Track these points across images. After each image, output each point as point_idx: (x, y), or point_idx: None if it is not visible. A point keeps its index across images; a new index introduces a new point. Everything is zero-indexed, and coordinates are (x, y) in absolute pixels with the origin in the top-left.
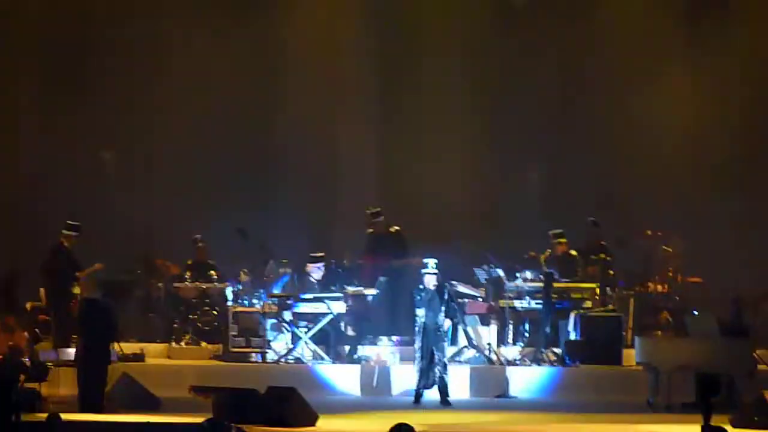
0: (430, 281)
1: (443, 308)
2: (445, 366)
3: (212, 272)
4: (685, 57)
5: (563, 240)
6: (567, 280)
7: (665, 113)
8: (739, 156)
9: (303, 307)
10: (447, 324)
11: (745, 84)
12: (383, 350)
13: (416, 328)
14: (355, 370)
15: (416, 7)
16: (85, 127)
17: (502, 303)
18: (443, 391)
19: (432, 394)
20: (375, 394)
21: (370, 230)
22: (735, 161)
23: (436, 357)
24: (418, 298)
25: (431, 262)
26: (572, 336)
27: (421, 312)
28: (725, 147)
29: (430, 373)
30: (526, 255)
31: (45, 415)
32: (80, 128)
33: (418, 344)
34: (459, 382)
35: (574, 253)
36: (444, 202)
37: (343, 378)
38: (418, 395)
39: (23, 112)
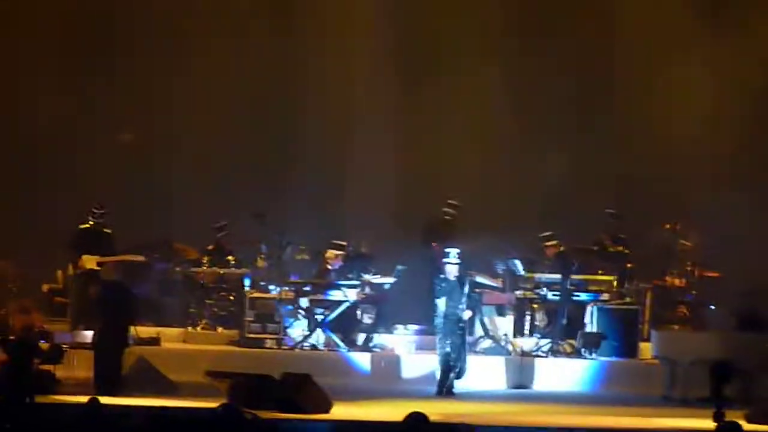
0: (452, 271)
1: (464, 299)
2: (459, 357)
3: (230, 257)
4: (702, 46)
5: (551, 242)
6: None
7: (683, 102)
8: (757, 145)
9: (320, 294)
10: (467, 315)
11: (764, 71)
12: (398, 339)
13: (436, 319)
14: (369, 358)
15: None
16: (106, 107)
17: (520, 294)
18: (451, 381)
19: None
20: (388, 383)
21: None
22: (752, 150)
23: (454, 348)
24: (439, 288)
25: (453, 252)
26: (589, 328)
27: (441, 302)
28: (743, 136)
29: (452, 363)
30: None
31: (60, 397)
32: (100, 108)
33: (439, 335)
34: (476, 372)
35: (562, 249)
36: (464, 193)
37: (358, 366)
38: (442, 386)
39: (42, 77)
